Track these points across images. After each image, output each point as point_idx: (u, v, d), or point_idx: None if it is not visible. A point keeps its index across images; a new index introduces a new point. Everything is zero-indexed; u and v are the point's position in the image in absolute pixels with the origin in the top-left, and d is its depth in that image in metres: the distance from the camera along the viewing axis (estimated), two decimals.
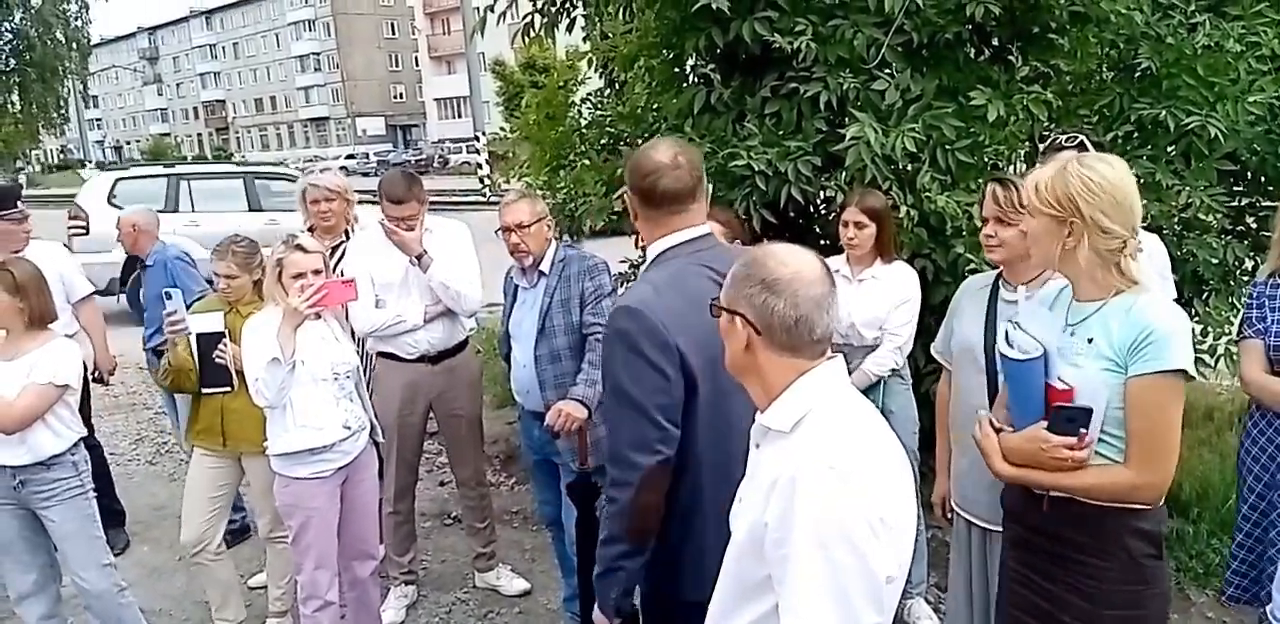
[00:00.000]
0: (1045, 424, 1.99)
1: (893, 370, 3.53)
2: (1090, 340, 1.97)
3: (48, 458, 3.14)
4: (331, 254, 3.81)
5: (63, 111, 36.97)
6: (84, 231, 10.42)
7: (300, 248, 3.10)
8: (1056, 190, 1.95)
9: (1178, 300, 3.20)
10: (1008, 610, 2.22)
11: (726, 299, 1.64)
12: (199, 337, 3.43)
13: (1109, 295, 1.97)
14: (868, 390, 3.40)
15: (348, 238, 4.10)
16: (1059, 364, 2.00)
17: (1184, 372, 1.89)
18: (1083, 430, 1.94)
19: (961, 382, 2.71)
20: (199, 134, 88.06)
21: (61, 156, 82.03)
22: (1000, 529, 2.57)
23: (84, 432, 3.33)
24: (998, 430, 2.13)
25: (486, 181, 11.34)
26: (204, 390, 3.53)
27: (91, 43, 38.15)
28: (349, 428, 3.17)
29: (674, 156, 2.11)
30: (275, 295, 3.10)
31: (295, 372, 2.97)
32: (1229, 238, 4.20)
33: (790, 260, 1.60)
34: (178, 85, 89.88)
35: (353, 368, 3.23)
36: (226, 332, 3.41)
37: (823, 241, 4.34)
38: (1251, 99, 3.82)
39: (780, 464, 1.52)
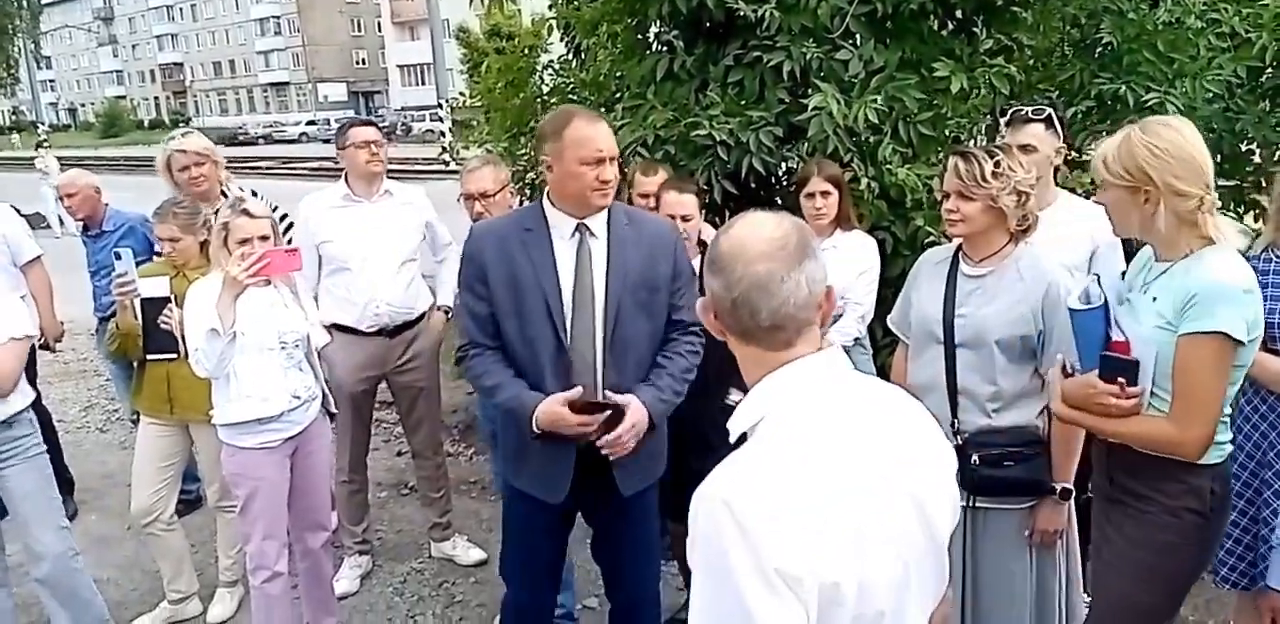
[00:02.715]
0: (1097, 372, 2.11)
1: (855, 339, 3.55)
2: (1155, 299, 2.06)
3: (11, 415, 3.01)
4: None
5: (13, 72, 35.95)
6: None
7: (246, 212, 3.00)
8: (1124, 161, 2.04)
9: None
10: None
11: None
12: (144, 302, 3.34)
13: (1181, 256, 2.04)
14: None
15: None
16: (1128, 319, 2.10)
17: (1227, 335, 1.94)
18: (1121, 380, 2.05)
19: (919, 355, 2.69)
20: (156, 97, 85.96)
21: (14, 118, 79.93)
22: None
23: (34, 392, 3.24)
24: (1068, 374, 2.22)
25: (447, 148, 11.24)
26: (149, 357, 3.46)
27: (44, 1, 37.03)
28: (298, 397, 3.10)
29: None
30: (220, 260, 3.01)
31: (238, 341, 2.89)
32: None
33: (737, 232, 1.35)
34: (134, 47, 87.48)
35: (302, 336, 3.14)
36: (172, 296, 3.32)
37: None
38: (1210, 76, 3.83)
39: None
